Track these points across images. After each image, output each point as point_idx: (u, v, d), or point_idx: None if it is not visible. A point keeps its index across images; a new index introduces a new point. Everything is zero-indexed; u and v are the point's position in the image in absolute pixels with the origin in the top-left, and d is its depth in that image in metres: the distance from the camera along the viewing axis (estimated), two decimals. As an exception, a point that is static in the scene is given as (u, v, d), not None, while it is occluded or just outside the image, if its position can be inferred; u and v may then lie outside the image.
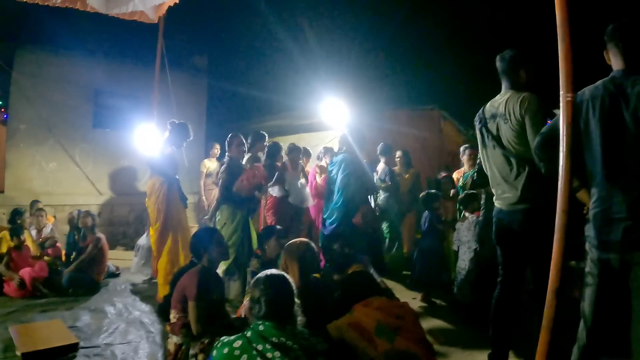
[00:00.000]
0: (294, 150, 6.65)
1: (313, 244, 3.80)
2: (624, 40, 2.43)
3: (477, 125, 3.48)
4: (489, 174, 3.46)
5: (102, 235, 6.32)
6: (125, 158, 9.49)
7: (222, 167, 5.59)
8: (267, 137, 6.37)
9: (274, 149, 6.42)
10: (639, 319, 2.25)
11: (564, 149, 2.40)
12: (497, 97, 3.38)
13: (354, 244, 4.26)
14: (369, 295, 3.35)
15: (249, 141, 6.16)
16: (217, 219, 5.46)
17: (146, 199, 5.61)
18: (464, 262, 5.07)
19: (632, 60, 2.42)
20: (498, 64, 3.34)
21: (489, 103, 3.42)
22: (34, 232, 6.54)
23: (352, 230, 5.57)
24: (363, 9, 14.82)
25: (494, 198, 3.45)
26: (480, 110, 3.47)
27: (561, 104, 2.44)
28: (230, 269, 5.26)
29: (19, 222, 6.15)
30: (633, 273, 2.28)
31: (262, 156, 6.21)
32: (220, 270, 5.08)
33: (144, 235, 6.64)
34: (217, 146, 8.83)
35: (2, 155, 8.83)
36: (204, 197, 8.54)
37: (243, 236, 5.37)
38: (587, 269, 2.50)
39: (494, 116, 3.33)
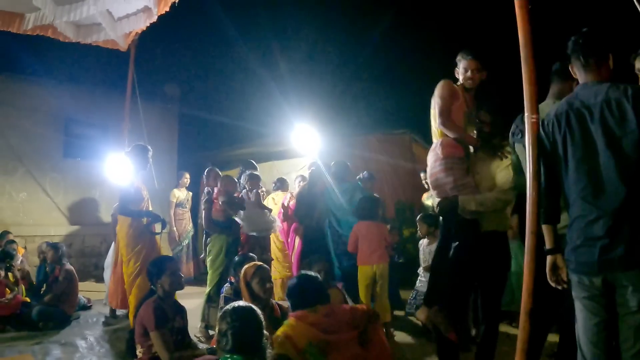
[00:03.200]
0: (253, 177, 6.32)
1: (265, 266, 3.80)
2: (585, 51, 2.37)
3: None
4: None
5: (71, 267, 6.18)
6: (96, 188, 9.35)
7: (203, 200, 5.70)
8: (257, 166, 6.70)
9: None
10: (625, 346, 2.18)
11: (531, 171, 2.40)
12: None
13: None
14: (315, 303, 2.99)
15: (240, 168, 6.63)
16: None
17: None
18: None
19: (593, 71, 2.36)
20: None
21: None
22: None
23: None
24: (333, 34, 15.03)
25: None
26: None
27: (526, 126, 2.44)
28: (212, 294, 5.24)
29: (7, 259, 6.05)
30: (618, 295, 2.18)
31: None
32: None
33: (107, 267, 6.43)
34: (187, 175, 8.75)
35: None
36: (174, 228, 8.42)
37: (228, 262, 5.25)
38: (573, 294, 2.36)
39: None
